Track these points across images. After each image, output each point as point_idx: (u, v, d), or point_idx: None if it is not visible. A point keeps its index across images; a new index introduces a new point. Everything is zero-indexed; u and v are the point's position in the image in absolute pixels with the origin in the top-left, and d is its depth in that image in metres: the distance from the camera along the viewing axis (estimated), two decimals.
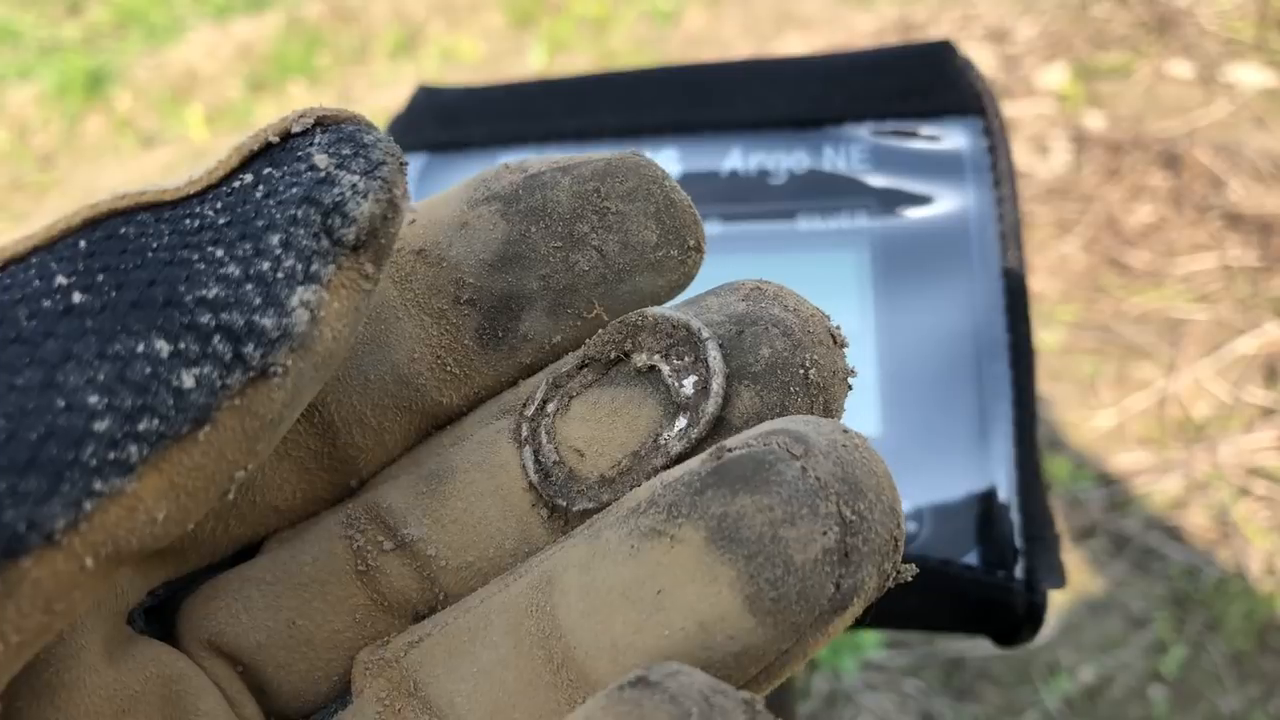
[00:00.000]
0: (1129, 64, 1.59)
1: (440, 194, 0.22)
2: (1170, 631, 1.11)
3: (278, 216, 0.15)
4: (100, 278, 0.14)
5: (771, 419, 0.18)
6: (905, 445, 0.42)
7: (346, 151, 0.16)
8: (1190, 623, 1.12)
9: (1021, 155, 1.49)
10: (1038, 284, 1.37)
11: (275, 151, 0.16)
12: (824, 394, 0.19)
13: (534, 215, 0.21)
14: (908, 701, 1.10)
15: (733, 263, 0.45)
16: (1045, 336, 1.32)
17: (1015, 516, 0.41)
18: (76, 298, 0.14)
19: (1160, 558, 1.16)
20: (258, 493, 0.20)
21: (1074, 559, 1.17)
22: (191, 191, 0.16)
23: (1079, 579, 1.16)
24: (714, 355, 0.19)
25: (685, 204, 0.22)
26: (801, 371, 0.19)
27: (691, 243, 0.22)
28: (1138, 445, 1.24)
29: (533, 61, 1.84)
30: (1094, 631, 1.12)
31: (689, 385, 0.19)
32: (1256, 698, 1.06)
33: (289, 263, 0.15)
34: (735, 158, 0.45)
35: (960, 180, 0.44)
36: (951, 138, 0.44)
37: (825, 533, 0.16)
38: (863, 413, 0.43)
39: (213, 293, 0.15)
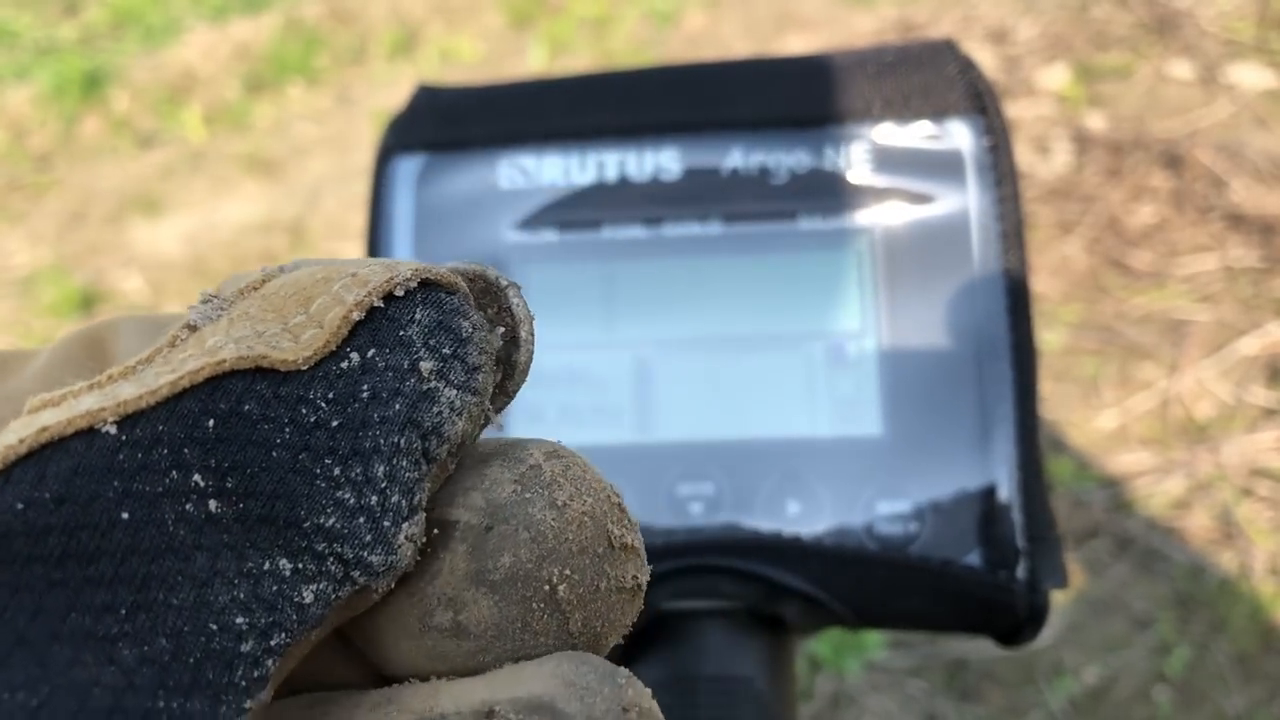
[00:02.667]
0: (1130, 65, 1.59)
1: None
2: (1174, 632, 1.11)
3: (383, 443, 0.16)
4: (230, 483, 0.14)
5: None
6: (906, 445, 0.42)
7: (446, 350, 0.17)
8: (1194, 623, 1.11)
9: (1023, 156, 1.49)
10: (1039, 284, 1.37)
11: (379, 322, 0.16)
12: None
13: None
14: (911, 702, 1.10)
15: (733, 263, 0.45)
16: (1047, 337, 1.32)
17: (1017, 517, 0.41)
18: (212, 505, 0.14)
19: (1164, 558, 1.16)
20: None
21: (1077, 560, 1.16)
22: (304, 365, 0.15)
23: (1082, 580, 1.15)
24: (517, 303, 0.18)
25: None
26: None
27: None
28: (1140, 446, 1.23)
29: (532, 62, 1.84)
30: (1098, 632, 1.12)
31: (497, 336, 0.18)
32: (1261, 698, 1.06)
33: (394, 499, 0.16)
34: (736, 157, 0.45)
35: (962, 180, 0.44)
36: (953, 137, 0.44)
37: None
38: (863, 413, 0.43)
39: (329, 522, 0.15)
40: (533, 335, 0.18)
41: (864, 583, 0.41)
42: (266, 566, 0.15)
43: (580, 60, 1.82)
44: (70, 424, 0.14)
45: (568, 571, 0.17)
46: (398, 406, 0.16)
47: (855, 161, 0.44)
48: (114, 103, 1.97)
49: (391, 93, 1.85)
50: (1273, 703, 1.05)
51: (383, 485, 0.16)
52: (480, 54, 1.91)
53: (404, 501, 0.16)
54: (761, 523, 0.42)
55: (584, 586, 0.17)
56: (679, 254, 0.45)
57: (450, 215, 0.46)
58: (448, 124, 0.47)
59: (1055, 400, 1.28)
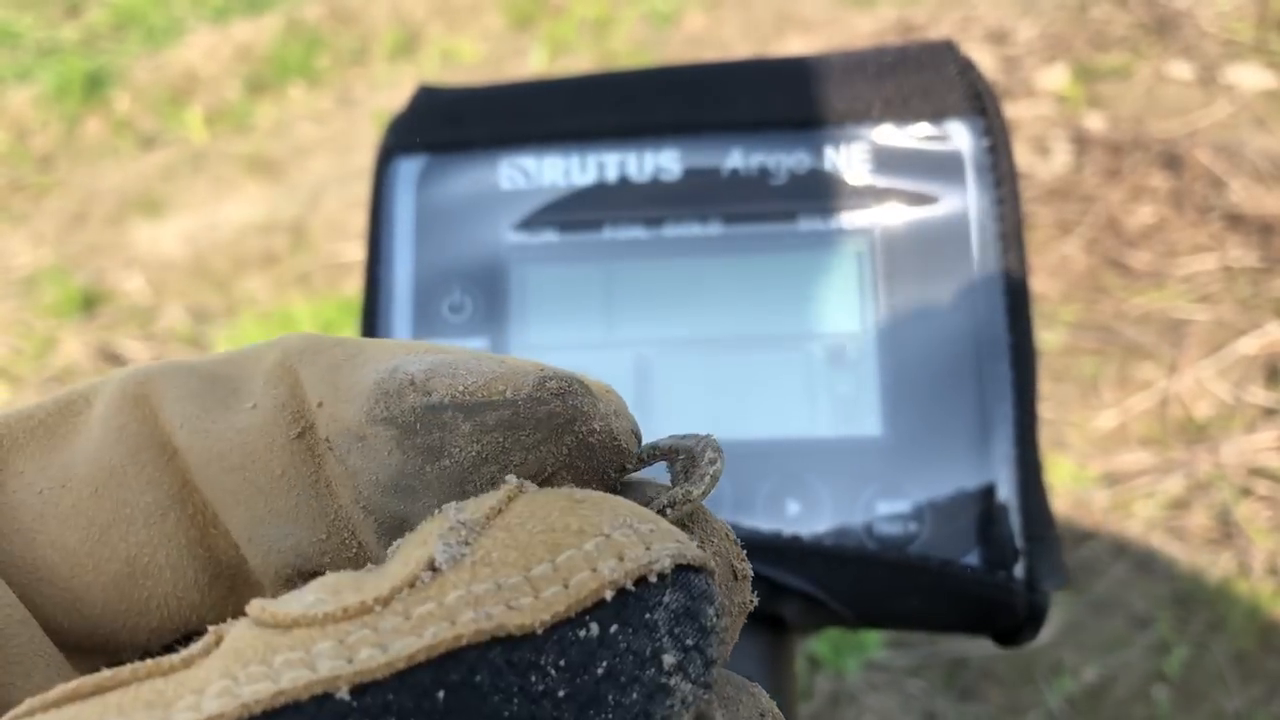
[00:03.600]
0: (1129, 65, 1.59)
1: (350, 374, 0.20)
2: (1173, 631, 1.11)
3: None
4: None
5: None
6: (906, 445, 0.42)
7: (690, 641, 0.16)
8: (1193, 623, 1.12)
9: (1022, 156, 1.49)
10: (1039, 284, 1.37)
11: (625, 597, 0.16)
12: None
13: (430, 454, 0.19)
14: (910, 702, 1.10)
15: (733, 263, 0.45)
16: (1046, 337, 1.32)
17: (1016, 517, 0.41)
18: None
19: (1162, 558, 1.16)
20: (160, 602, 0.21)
21: (1076, 559, 1.17)
22: (539, 628, 0.15)
23: (1081, 579, 1.16)
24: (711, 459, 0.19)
25: (606, 444, 0.20)
26: None
27: (614, 475, 0.21)
28: (1139, 445, 1.24)
29: (533, 63, 1.84)
30: (1097, 631, 1.12)
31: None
32: (1260, 698, 1.06)
33: None
34: (736, 157, 0.45)
35: (962, 181, 0.44)
36: (953, 138, 0.44)
37: None
38: (863, 413, 0.43)
39: None
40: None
41: (863, 582, 0.41)
42: None
43: (581, 61, 1.82)
44: (308, 689, 0.14)
45: None
46: (635, 696, 0.15)
47: (855, 162, 0.44)
48: (116, 103, 1.98)
49: (393, 94, 1.85)
50: (1271, 701, 1.05)
51: None
52: (481, 55, 1.91)
53: None
54: (761, 522, 0.42)
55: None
56: (679, 254, 0.45)
57: (451, 216, 0.46)
58: (448, 125, 0.47)
59: (1055, 400, 1.28)
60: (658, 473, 0.21)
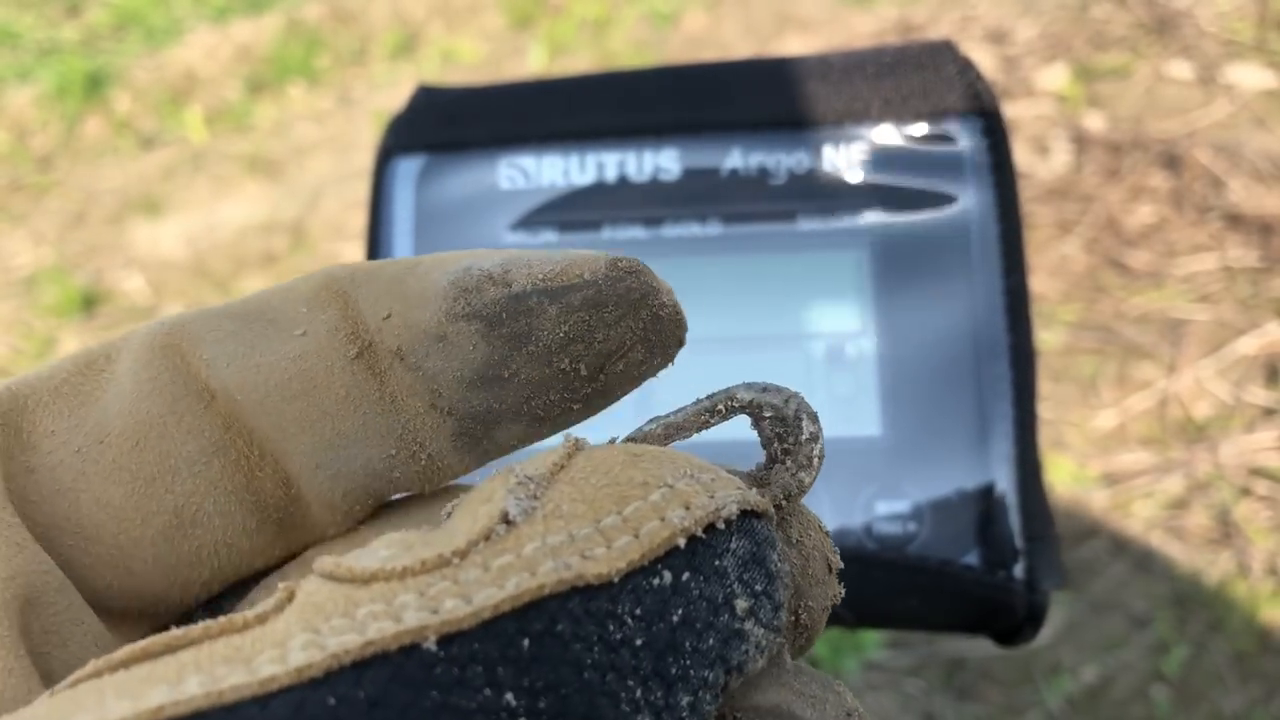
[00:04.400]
0: (1129, 65, 1.59)
1: (417, 282, 0.20)
2: (1172, 631, 1.11)
3: (692, 674, 0.16)
4: (542, 703, 0.14)
5: None
6: (905, 445, 0.42)
7: (759, 586, 0.16)
8: (1192, 623, 1.12)
9: (1022, 156, 1.49)
10: (1038, 284, 1.37)
11: (695, 544, 0.16)
12: (812, 632, 0.19)
13: (517, 342, 0.20)
14: (909, 701, 1.10)
15: (733, 263, 0.45)
16: (1046, 337, 1.32)
17: (1016, 516, 0.41)
18: None
19: (1162, 558, 1.16)
20: (216, 546, 0.20)
21: (1076, 559, 1.17)
22: (615, 576, 0.15)
23: (1081, 579, 1.16)
24: (808, 428, 0.19)
25: (673, 317, 0.21)
26: (793, 618, 0.19)
27: (674, 350, 0.21)
28: (1139, 445, 1.24)
29: (533, 63, 1.84)
30: (1096, 631, 1.12)
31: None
32: (1259, 698, 1.06)
33: None
34: (735, 157, 0.45)
35: (961, 180, 0.44)
36: (952, 138, 0.44)
37: None
38: (863, 413, 0.43)
39: None
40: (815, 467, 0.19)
41: (863, 582, 0.41)
42: None
43: (580, 61, 1.82)
44: (396, 639, 0.14)
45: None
46: (711, 641, 0.16)
47: (854, 162, 0.44)
48: (116, 103, 1.98)
49: (392, 94, 1.85)
50: (1270, 702, 1.05)
51: (684, 714, 0.15)
52: (481, 55, 1.91)
53: None
54: None
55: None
56: (679, 254, 0.45)
57: (450, 216, 0.46)
58: (448, 125, 0.47)
59: (1054, 400, 1.28)
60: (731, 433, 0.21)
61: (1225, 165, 1.43)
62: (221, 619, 0.15)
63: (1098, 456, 1.23)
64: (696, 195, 0.45)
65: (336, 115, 1.88)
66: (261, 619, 0.15)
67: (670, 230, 0.45)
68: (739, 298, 0.44)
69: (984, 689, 1.10)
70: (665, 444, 0.20)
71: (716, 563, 0.16)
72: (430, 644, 0.14)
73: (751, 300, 0.44)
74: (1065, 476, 1.22)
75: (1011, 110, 1.54)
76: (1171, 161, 1.45)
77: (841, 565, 0.20)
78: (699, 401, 0.20)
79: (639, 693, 0.15)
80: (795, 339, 0.44)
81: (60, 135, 1.94)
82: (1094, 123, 1.53)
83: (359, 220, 1.64)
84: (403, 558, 0.15)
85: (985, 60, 1.62)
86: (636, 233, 0.45)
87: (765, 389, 0.20)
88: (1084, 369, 1.30)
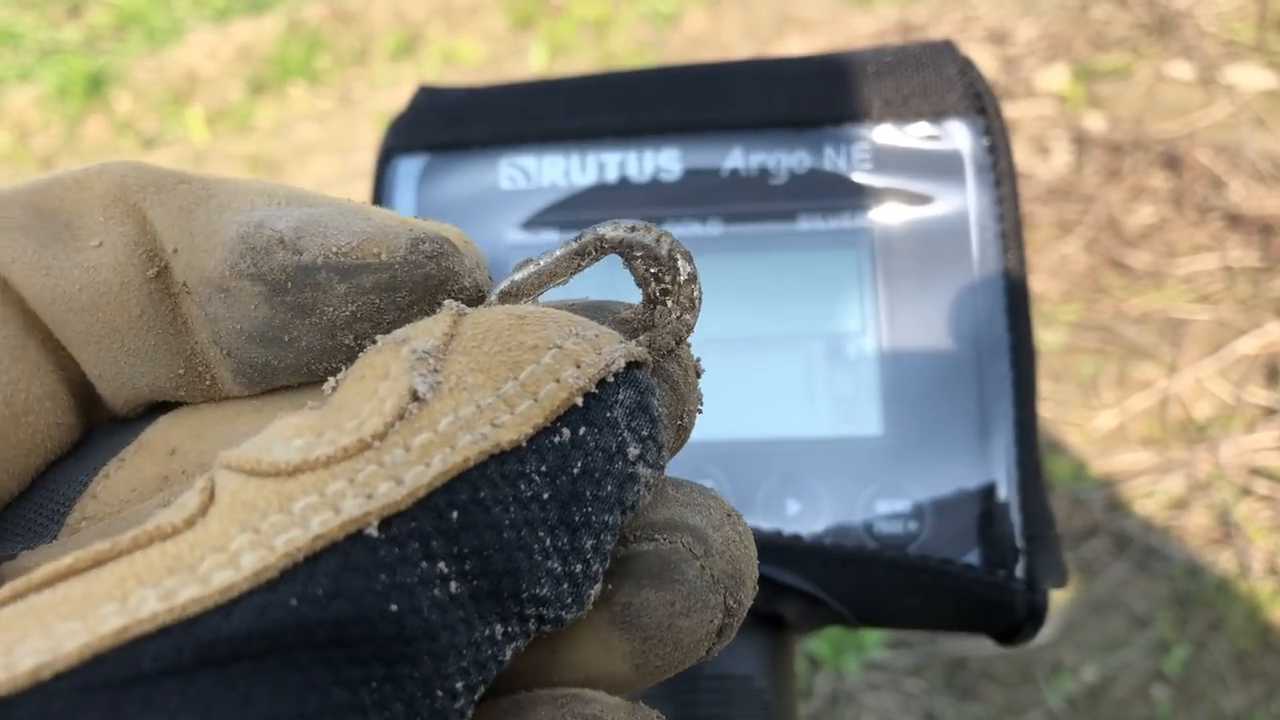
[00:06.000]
0: (1129, 65, 1.59)
1: (208, 220, 0.19)
2: (1173, 631, 1.11)
3: (594, 520, 0.17)
4: (469, 565, 0.15)
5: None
6: (906, 445, 0.42)
7: (645, 432, 0.18)
8: (1193, 622, 1.12)
9: (1022, 156, 1.49)
10: (1039, 284, 1.37)
11: (588, 400, 0.17)
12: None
13: (300, 311, 0.19)
14: (910, 701, 1.10)
15: (733, 263, 0.45)
16: (1046, 337, 1.32)
17: (1016, 516, 0.41)
18: (454, 587, 0.15)
19: (1162, 557, 1.16)
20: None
21: (1076, 559, 1.17)
22: (523, 440, 0.16)
23: (1081, 579, 1.16)
24: (685, 268, 0.20)
25: (470, 300, 0.20)
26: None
27: None
28: (1139, 445, 1.24)
29: (533, 63, 1.84)
30: (1096, 631, 1.12)
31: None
32: (1259, 697, 1.06)
33: (594, 566, 0.17)
34: (736, 157, 0.45)
35: (961, 180, 0.44)
36: (952, 138, 0.44)
37: (713, 620, 0.18)
38: (863, 412, 0.43)
39: (541, 591, 0.16)
40: (697, 303, 0.20)
41: (863, 581, 0.41)
42: (486, 633, 0.16)
43: (581, 62, 1.82)
44: (342, 529, 0.15)
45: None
46: (609, 488, 0.17)
47: (855, 162, 0.44)
48: (117, 104, 1.98)
49: (393, 94, 1.85)
50: (1271, 701, 1.05)
51: (588, 556, 0.17)
52: (481, 55, 1.91)
53: (600, 568, 0.17)
54: (761, 522, 0.42)
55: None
56: None
57: (451, 216, 0.46)
58: (449, 125, 0.47)
59: (1054, 400, 1.28)
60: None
61: (1225, 165, 1.43)
62: (148, 525, 0.15)
63: (1098, 456, 1.23)
64: (697, 195, 0.45)
65: (337, 116, 1.88)
66: (189, 522, 0.15)
67: (671, 230, 0.45)
68: (739, 298, 0.45)
69: (985, 689, 1.10)
70: (540, 291, 0.20)
71: (608, 414, 0.17)
72: (372, 529, 0.15)
73: (752, 300, 0.45)
74: (1066, 476, 1.22)
75: (1011, 110, 1.54)
76: (1172, 162, 1.45)
77: (704, 369, 0.21)
78: (567, 244, 0.20)
79: (548, 541, 0.16)
80: (795, 339, 0.44)
81: (62, 136, 1.95)
82: (1094, 123, 1.53)
83: None
84: (321, 446, 0.15)
85: (985, 61, 1.62)
86: None
87: (634, 227, 0.20)
88: (1084, 369, 1.30)
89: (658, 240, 0.20)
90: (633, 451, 0.17)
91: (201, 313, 0.19)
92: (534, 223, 0.46)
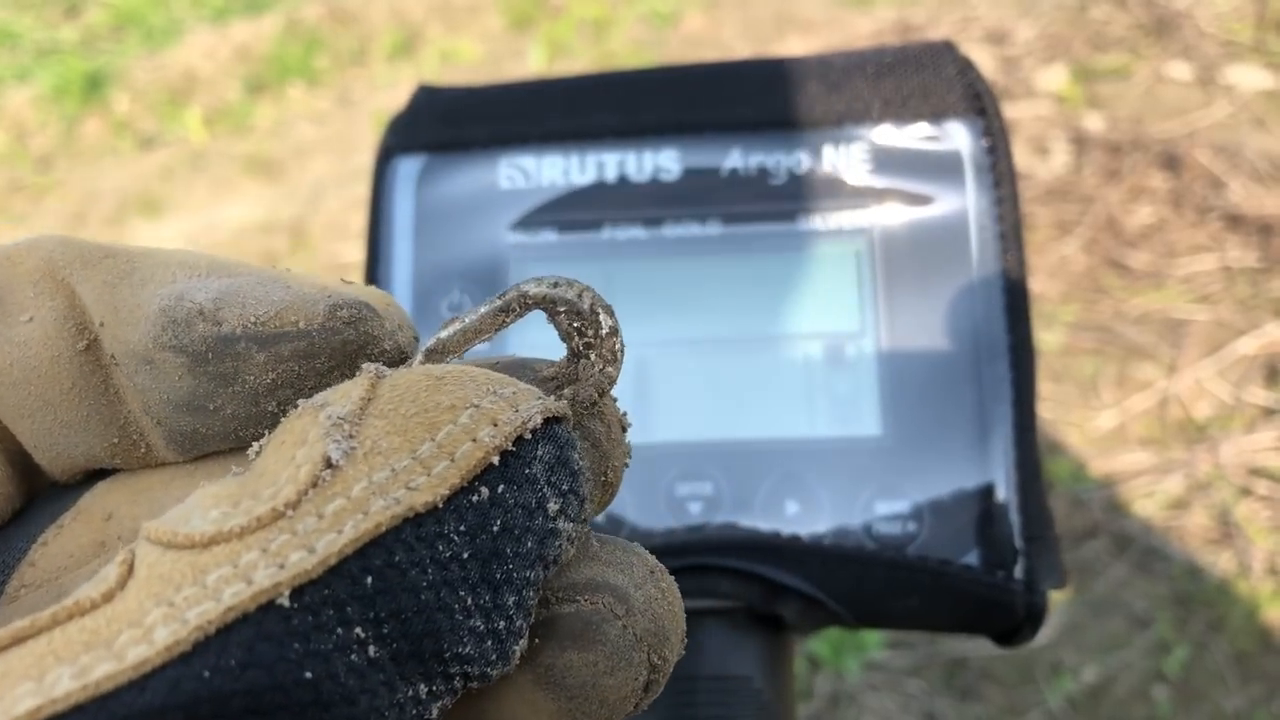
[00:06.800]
0: (1128, 66, 1.59)
1: (131, 294, 0.20)
2: (1173, 631, 1.11)
3: (515, 576, 0.17)
4: (386, 629, 0.16)
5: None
6: (905, 445, 0.42)
7: (565, 486, 0.18)
8: (1193, 623, 1.12)
9: (1021, 157, 1.49)
10: (1038, 285, 1.37)
11: (505, 457, 0.17)
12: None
13: (223, 380, 0.19)
14: (910, 702, 1.10)
15: (732, 263, 0.45)
16: (1046, 337, 1.32)
17: (1015, 517, 0.41)
18: (372, 651, 0.16)
19: (1162, 558, 1.16)
20: None
21: (1076, 559, 1.17)
22: (439, 501, 0.16)
23: (1081, 579, 1.16)
24: (606, 322, 0.20)
25: (391, 362, 0.20)
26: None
27: None
28: (1139, 446, 1.24)
29: (532, 63, 1.84)
30: (1097, 632, 1.12)
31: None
32: (1260, 697, 1.06)
33: (518, 622, 0.17)
34: (735, 157, 0.45)
35: (960, 181, 0.44)
36: (952, 138, 0.44)
37: (638, 677, 0.19)
38: (862, 413, 0.43)
39: (465, 649, 0.17)
40: (618, 356, 0.20)
41: (863, 582, 0.41)
42: (410, 694, 0.16)
43: (580, 62, 1.82)
44: (254, 599, 0.15)
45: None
46: (529, 544, 0.17)
47: (854, 162, 0.44)
48: (115, 104, 1.98)
49: (392, 94, 1.85)
50: (1271, 701, 1.05)
51: (511, 612, 0.17)
52: (480, 55, 1.91)
53: (524, 624, 0.17)
54: (760, 522, 0.42)
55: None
56: (678, 254, 0.45)
57: (450, 215, 0.46)
58: (448, 125, 0.47)
59: (1054, 400, 1.28)
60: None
61: (1225, 166, 1.43)
62: (68, 601, 0.15)
63: (1098, 456, 1.23)
64: (696, 195, 0.45)
65: (336, 115, 1.88)
66: (107, 597, 0.15)
67: (670, 230, 0.45)
68: (738, 298, 0.44)
69: (985, 689, 1.10)
70: (464, 349, 0.20)
71: (527, 471, 0.17)
72: (284, 599, 0.15)
73: (751, 300, 0.44)
74: (1065, 477, 1.22)
75: (1011, 111, 1.54)
76: (1171, 162, 1.45)
77: (631, 423, 0.21)
78: (491, 301, 0.20)
79: (470, 600, 0.16)
80: (795, 339, 0.44)
81: (59, 136, 1.94)
82: (1093, 123, 1.53)
83: (359, 220, 1.64)
84: (236, 516, 0.15)
85: (985, 61, 1.62)
86: (636, 233, 0.45)
87: (556, 283, 0.20)
88: (1084, 369, 1.30)
89: (580, 295, 0.20)
90: (553, 506, 0.17)
91: (130, 383, 0.20)
92: (533, 222, 0.46)
